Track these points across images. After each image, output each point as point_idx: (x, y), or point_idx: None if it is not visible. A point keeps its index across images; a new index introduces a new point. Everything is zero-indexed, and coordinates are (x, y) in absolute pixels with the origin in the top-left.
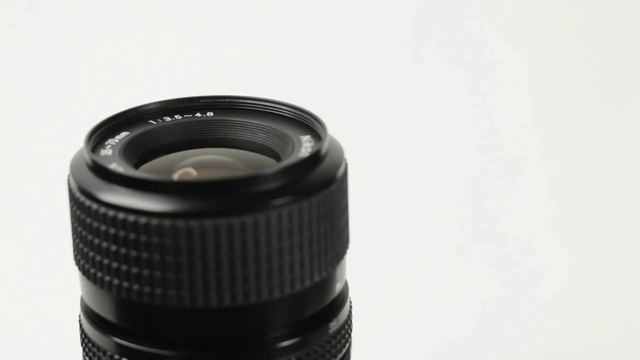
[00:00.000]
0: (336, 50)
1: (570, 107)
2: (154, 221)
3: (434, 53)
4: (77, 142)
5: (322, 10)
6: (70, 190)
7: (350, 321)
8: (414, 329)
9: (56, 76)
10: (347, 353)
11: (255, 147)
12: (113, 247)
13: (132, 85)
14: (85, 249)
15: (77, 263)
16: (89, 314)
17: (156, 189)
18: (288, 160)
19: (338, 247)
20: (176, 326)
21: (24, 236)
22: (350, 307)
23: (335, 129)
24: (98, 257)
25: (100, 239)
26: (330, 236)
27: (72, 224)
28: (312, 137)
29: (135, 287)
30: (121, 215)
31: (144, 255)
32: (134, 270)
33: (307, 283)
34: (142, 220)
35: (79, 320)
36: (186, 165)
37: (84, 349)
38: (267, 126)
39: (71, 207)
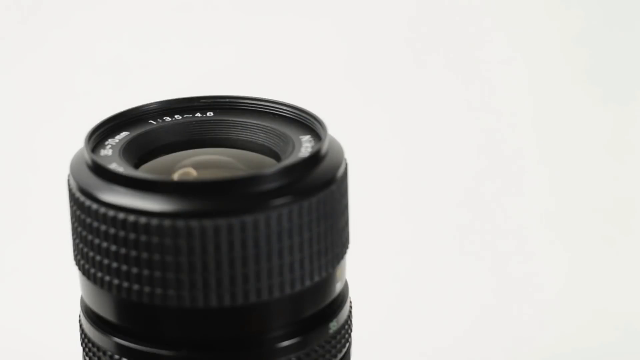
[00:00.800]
0: (336, 50)
1: (570, 107)
2: (154, 221)
3: (434, 53)
4: (77, 142)
5: (321, 10)
6: (70, 190)
7: (350, 321)
8: (413, 329)
9: (56, 76)
10: (347, 353)
11: (255, 147)
12: (113, 247)
13: (132, 86)
14: (85, 249)
15: (77, 263)
16: (89, 314)
17: (156, 189)
18: (288, 160)
19: (338, 247)
20: (176, 326)
21: (24, 236)
22: (350, 307)
23: (335, 129)
24: (98, 257)
25: (100, 239)
26: (330, 236)
27: (72, 224)
28: (312, 137)
29: (135, 287)
30: (121, 215)
31: (144, 255)
32: (134, 270)
33: (307, 283)
34: (142, 220)
35: (79, 320)
36: (186, 165)
37: (84, 349)
38: (267, 126)
39: (71, 207)
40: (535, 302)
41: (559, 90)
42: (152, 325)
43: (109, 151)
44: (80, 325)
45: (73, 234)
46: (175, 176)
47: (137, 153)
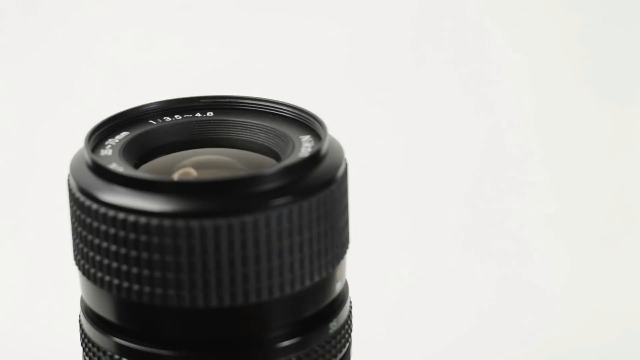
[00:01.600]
0: (336, 50)
1: (571, 107)
2: (154, 221)
3: (434, 53)
4: (77, 142)
5: (321, 10)
6: (70, 190)
7: (350, 321)
8: (413, 329)
9: (56, 76)
10: (347, 353)
11: (256, 147)
12: (113, 247)
13: (132, 86)
14: (85, 249)
15: (77, 263)
16: (89, 314)
17: (156, 189)
18: (288, 160)
19: (338, 247)
20: (176, 326)
21: (24, 236)
22: (350, 307)
23: (335, 129)
24: (98, 257)
25: (100, 239)
26: (330, 236)
27: (72, 224)
28: (312, 137)
29: (135, 287)
30: (121, 215)
31: (144, 255)
32: (134, 270)
33: (307, 283)
34: (142, 220)
35: (79, 321)
36: (186, 165)
37: (84, 349)
38: (267, 126)
39: (71, 207)
40: (536, 302)
41: (561, 91)
42: (152, 325)
43: (109, 151)
44: (80, 326)
45: (73, 234)
46: (175, 176)
47: (137, 153)
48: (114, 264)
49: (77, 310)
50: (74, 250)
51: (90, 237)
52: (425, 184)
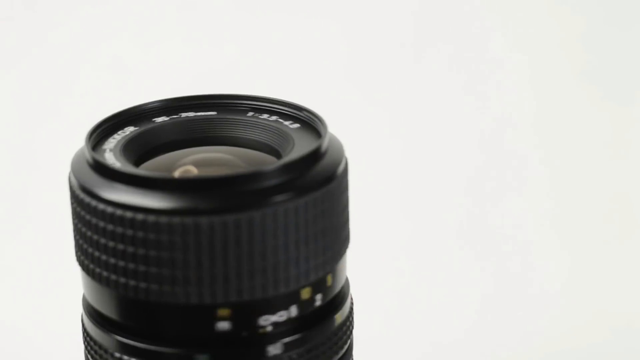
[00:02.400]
0: (336, 49)
1: (571, 107)
2: (159, 218)
3: (434, 52)
4: (77, 141)
5: (321, 9)
6: (71, 188)
7: (352, 318)
8: (414, 326)
9: (57, 75)
10: (349, 350)
11: (256, 145)
12: (114, 245)
13: (132, 84)
14: (86, 246)
15: (79, 261)
16: (91, 312)
17: (157, 187)
18: (288, 157)
19: (339, 244)
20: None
21: (24, 235)
22: (352, 304)
23: (336, 127)
24: (98, 254)
25: (100, 235)
26: (331, 233)
27: (73, 221)
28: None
29: (141, 284)
30: (122, 213)
31: (146, 252)
32: (137, 267)
33: (309, 280)
34: (145, 217)
35: (81, 319)
36: (187, 163)
37: (86, 347)
38: (268, 124)
39: (72, 205)
40: (536, 301)
41: (561, 91)
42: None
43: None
44: (82, 324)
45: (74, 232)
46: (176, 174)
47: (137, 151)
48: (114, 261)
49: (79, 309)
50: (76, 248)
51: (89, 234)
52: (425, 182)
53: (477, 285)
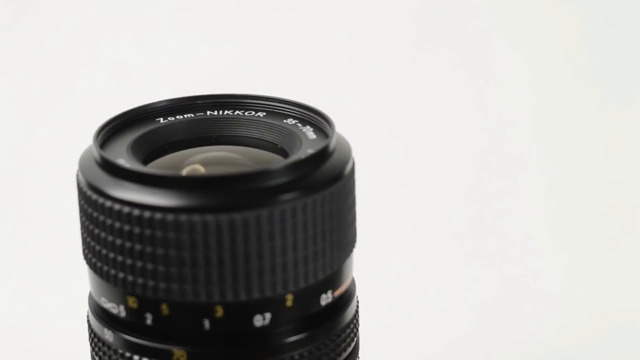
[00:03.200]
0: (341, 50)
1: (571, 107)
2: (168, 216)
3: (436, 53)
4: (84, 140)
5: (327, 8)
6: (79, 186)
7: (357, 318)
8: (419, 326)
9: (64, 75)
10: (355, 349)
11: (263, 144)
12: (121, 242)
13: (138, 85)
14: (93, 244)
15: (86, 259)
16: (98, 310)
17: (164, 185)
18: (295, 157)
19: (345, 244)
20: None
21: (29, 235)
22: (357, 304)
23: (343, 128)
24: (105, 252)
25: (108, 233)
26: (337, 233)
27: (81, 219)
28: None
29: (150, 282)
30: (130, 211)
31: (155, 250)
32: (144, 265)
33: (316, 279)
34: (153, 215)
35: (87, 319)
36: (194, 162)
37: (92, 346)
38: (275, 124)
39: (80, 203)
40: (536, 301)
41: (560, 91)
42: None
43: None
44: (89, 323)
45: (82, 230)
46: (184, 173)
47: (145, 150)
48: (122, 259)
49: (84, 308)
50: (83, 247)
51: (97, 231)
52: (428, 183)
53: (480, 285)
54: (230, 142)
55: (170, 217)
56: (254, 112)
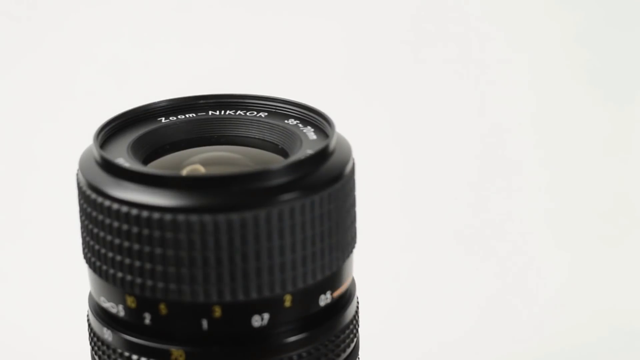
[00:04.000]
0: (341, 50)
1: (571, 107)
2: (167, 216)
3: (436, 53)
4: (84, 140)
5: (327, 9)
6: (79, 186)
7: (357, 318)
8: (418, 326)
9: (64, 75)
10: (355, 349)
11: (263, 144)
12: (120, 242)
13: (141, 84)
14: (93, 243)
15: (86, 258)
16: (98, 310)
17: (164, 185)
18: (295, 157)
19: (345, 244)
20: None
21: (29, 235)
22: (357, 303)
23: (342, 128)
24: (105, 251)
25: (107, 233)
26: (337, 233)
27: (81, 219)
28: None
29: (149, 282)
30: (130, 211)
31: (153, 250)
32: (143, 265)
33: (314, 279)
34: (152, 215)
35: (87, 319)
36: (194, 162)
37: (92, 347)
38: (275, 124)
39: (80, 203)
40: (536, 301)
41: (560, 91)
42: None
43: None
44: (89, 323)
45: (82, 230)
46: (184, 173)
47: (145, 150)
48: (121, 259)
49: (84, 308)
50: (83, 247)
51: (97, 231)
52: (428, 183)
53: (480, 285)
54: (231, 142)
55: (168, 217)
56: (255, 112)
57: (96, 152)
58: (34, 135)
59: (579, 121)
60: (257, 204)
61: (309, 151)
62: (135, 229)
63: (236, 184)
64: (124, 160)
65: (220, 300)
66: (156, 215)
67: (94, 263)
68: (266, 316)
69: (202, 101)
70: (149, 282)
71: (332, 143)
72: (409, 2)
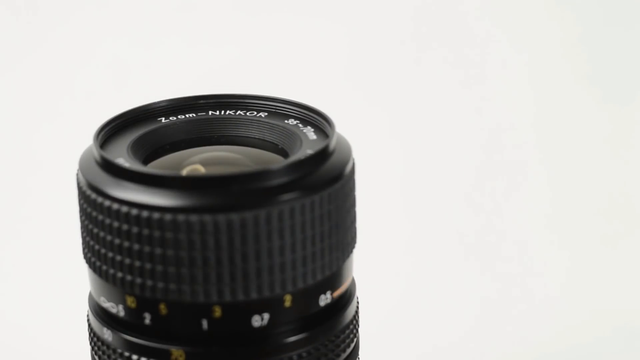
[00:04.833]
0: (341, 50)
1: (571, 107)
2: (166, 216)
3: (436, 54)
4: (84, 141)
5: (327, 9)
6: (79, 186)
7: (357, 318)
8: (418, 326)
9: (64, 74)
10: (355, 349)
11: (264, 144)
12: (120, 242)
13: (141, 84)
14: (93, 243)
15: (86, 258)
16: (98, 310)
17: (164, 185)
18: (295, 157)
19: (345, 244)
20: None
21: (29, 235)
22: (357, 304)
23: (342, 128)
24: (105, 251)
25: (107, 233)
26: (338, 233)
27: (81, 219)
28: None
29: (149, 282)
30: (129, 210)
31: (153, 250)
32: (143, 265)
33: (314, 279)
34: (152, 215)
35: (87, 319)
36: (194, 162)
37: (92, 347)
38: (275, 124)
39: (80, 202)
40: (536, 301)
41: (561, 91)
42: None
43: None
44: (89, 323)
45: (82, 230)
46: (184, 173)
47: (145, 150)
48: (120, 258)
49: (84, 308)
50: (83, 247)
51: (97, 231)
52: (428, 183)
53: (480, 285)
54: (231, 142)
55: (168, 217)
56: (255, 112)
57: (96, 152)
58: (34, 135)
59: (579, 121)
60: (257, 204)
61: (309, 151)
62: (135, 229)
63: (236, 184)
64: (124, 160)
65: (220, 300)
66: (156, 215)
67: (94, 263)
68: (266, 316)
69: (202, 101)
70: (149, 282)
71: (332, 143)
72: (409, 2)
